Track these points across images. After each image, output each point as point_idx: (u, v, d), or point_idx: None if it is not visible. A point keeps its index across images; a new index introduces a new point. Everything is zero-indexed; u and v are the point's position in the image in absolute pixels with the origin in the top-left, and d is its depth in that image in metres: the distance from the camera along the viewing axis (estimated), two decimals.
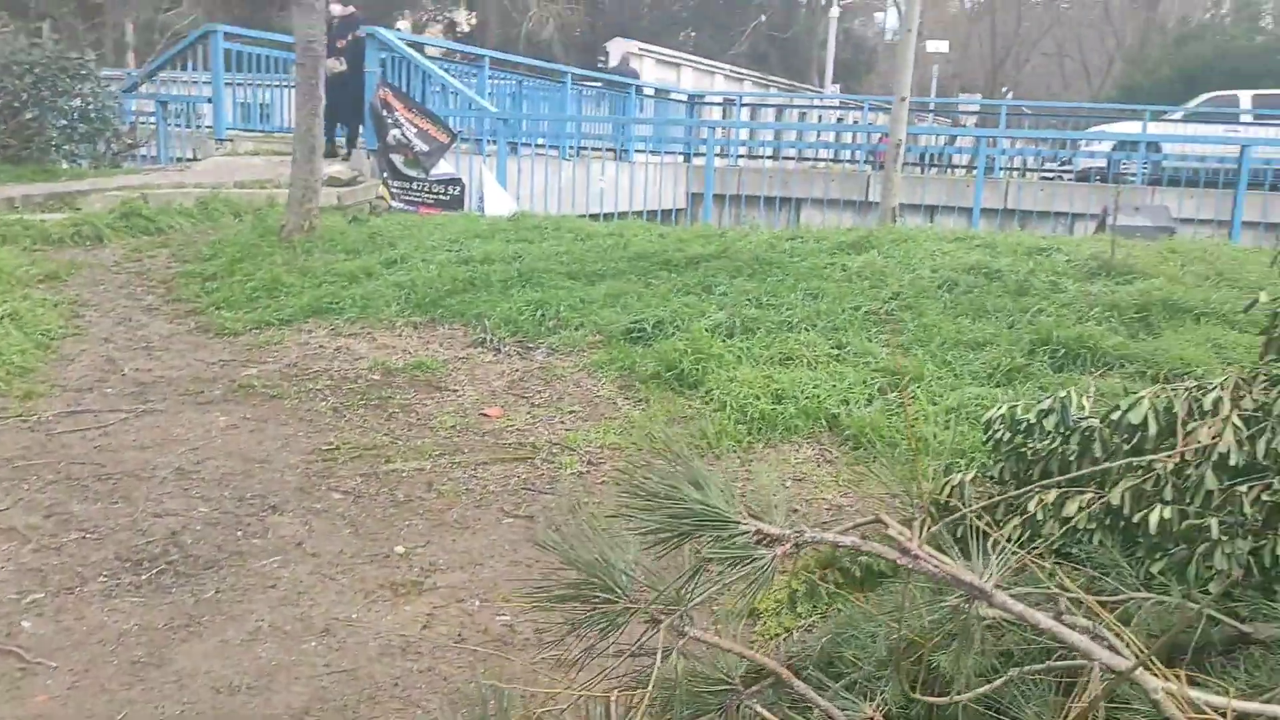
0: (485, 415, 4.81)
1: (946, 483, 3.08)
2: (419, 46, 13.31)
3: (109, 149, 12.22)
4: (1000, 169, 15.89)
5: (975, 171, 13.91)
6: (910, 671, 1.93)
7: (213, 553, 3.47)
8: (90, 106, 11.76)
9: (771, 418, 4.58)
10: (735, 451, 4.40)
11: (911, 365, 4.95)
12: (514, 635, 3.04)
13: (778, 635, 3.02)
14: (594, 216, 12.07)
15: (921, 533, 1.49)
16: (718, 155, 16.38)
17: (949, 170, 17.98)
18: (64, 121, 11.53)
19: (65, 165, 11.42)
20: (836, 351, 5.25)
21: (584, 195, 13.08)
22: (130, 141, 12.80)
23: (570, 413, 4.84)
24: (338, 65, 11.11)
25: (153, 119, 13.21)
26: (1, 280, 6.35)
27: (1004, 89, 37.57)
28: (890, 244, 7.38)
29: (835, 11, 27.37)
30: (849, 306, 5.79)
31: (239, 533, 3.64)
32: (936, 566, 1.45)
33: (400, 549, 3.56)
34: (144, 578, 3.29)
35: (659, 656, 1.52)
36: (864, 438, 4.35)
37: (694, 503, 1.42)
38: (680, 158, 16.69)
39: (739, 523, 1.41)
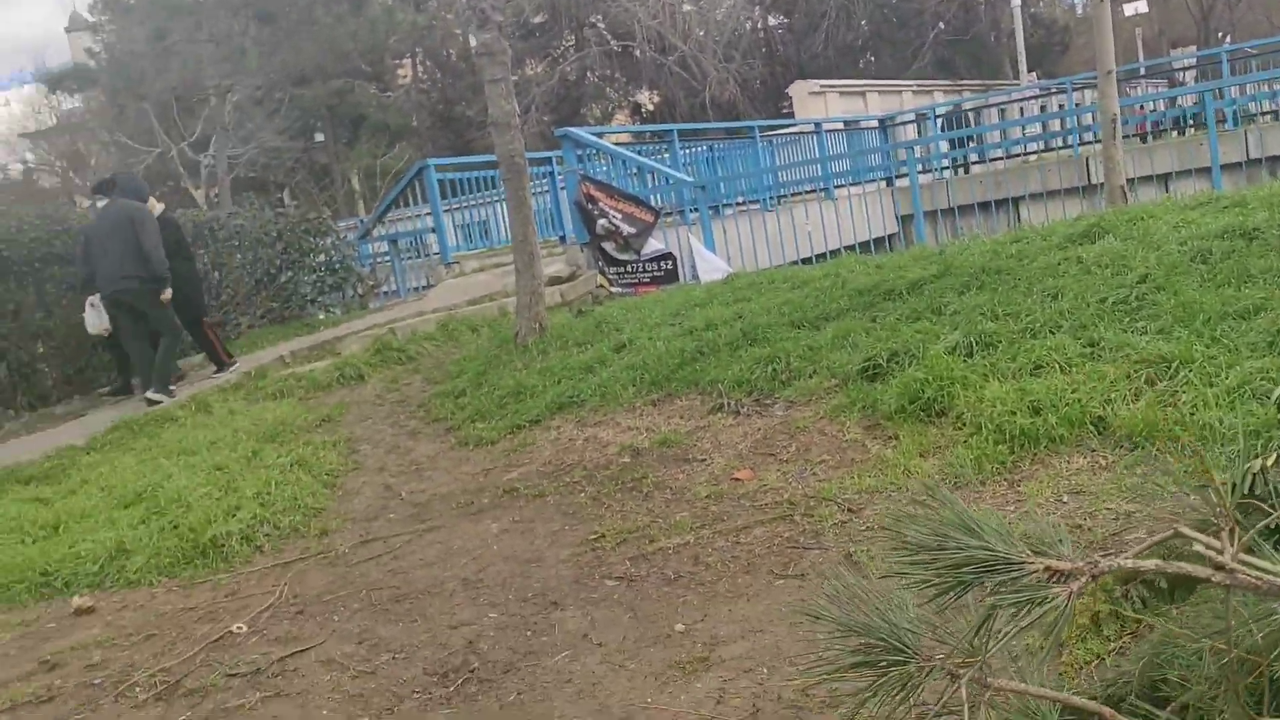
0: (737, 479, 4.83)
1: (1246, 470, 2.81)
2: (601, 136, 13.87)
3: (355, 293, 13.34)
4: (1234, 120, 14.62)
5: (1206, 129, 12.88)
6: (1253, 687, 1.76)
7: (508, 656, 3.64)
8: (333, 258, 12.99)
9: (1032, 432, 4.34)
10: (1000, 475, 4.20)
11: (1177, 350, 4.58)
12: (809, 701, 2.99)
13: (1088, 664, 2.83)
14: (806, 260, 12.02)
15: (1233, 542, 1.35)
16: (922, 172, 16.00)
17: (1179, 132, 16.77)
18: (313, 276, 12.73)
19: (321, 315, 12.54)
20: (1089, 350, 4.93)
21: (793, 242, 13.07)
22: (372, 283, 13.92)
23: (820, 463, 4.78)
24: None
25: (387, 257, 14.33)
26: (286, 431, 7.03)
27: (1220, 34, 34.65)
28: (1125, 225, 6.92)
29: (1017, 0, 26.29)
30: (1093, 300, 5.45)
31: (528, 633, 3.80)
32: (1259, 578, 1.32)
33: (680, 627, 3.60)
34: (451, 689, 3.48)
35: (965, 712, 1.46)
36: (1138, 437, 4.05)
37: (972, 549, 1.36)
38: (883, 183, 16.40)
39: (1024, 563, 1.33)
